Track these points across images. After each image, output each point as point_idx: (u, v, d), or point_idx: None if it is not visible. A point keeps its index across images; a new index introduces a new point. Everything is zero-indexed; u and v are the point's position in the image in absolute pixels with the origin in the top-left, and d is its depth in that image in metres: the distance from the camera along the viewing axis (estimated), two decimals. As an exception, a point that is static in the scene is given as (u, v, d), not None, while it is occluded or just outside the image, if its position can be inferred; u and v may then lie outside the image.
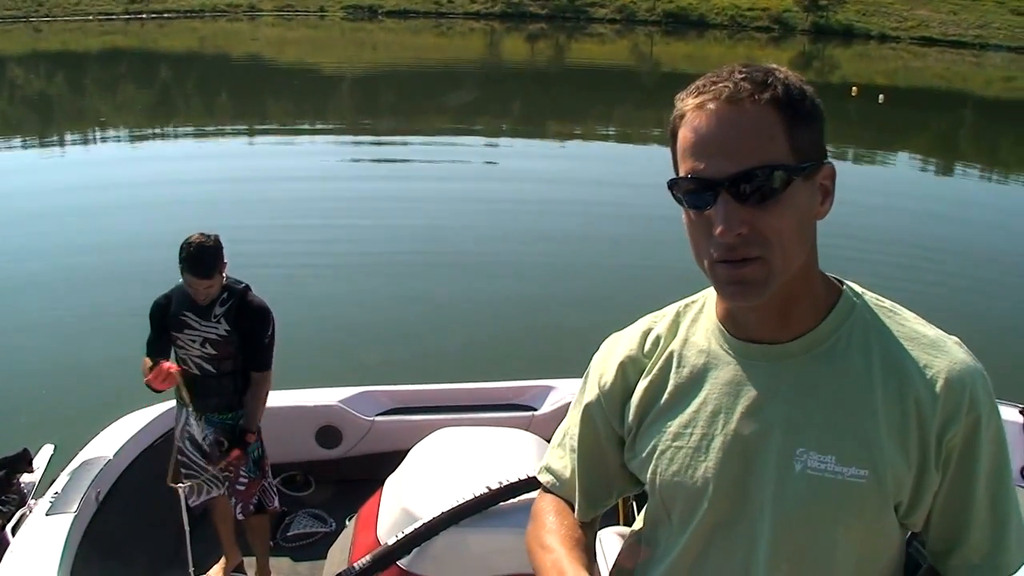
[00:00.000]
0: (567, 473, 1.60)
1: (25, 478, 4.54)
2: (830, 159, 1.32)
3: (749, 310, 1.35)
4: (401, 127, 22.51)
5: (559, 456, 1.63)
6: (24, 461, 4.58)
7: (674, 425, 1.41)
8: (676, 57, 46.74)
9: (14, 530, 3.97)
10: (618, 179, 15.71)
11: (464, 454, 3.90)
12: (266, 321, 3.96)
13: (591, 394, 1.55)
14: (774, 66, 1.29)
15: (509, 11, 64.73)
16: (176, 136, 22.02)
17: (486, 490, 3.37)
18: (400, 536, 3.34)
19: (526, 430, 4.29)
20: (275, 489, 4.36)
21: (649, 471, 1.44)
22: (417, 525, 3.34)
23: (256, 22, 60.96)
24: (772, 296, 1.28)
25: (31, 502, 4.22)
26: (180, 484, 4.11)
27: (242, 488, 4.13)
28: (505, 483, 3.38)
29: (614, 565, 1.67)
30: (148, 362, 3.92)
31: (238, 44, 49.64)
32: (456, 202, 13.87)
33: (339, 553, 4.01)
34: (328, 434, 5.04)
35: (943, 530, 1.36)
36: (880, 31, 58.03)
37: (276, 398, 4.77)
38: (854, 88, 28.84)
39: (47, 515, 3.82)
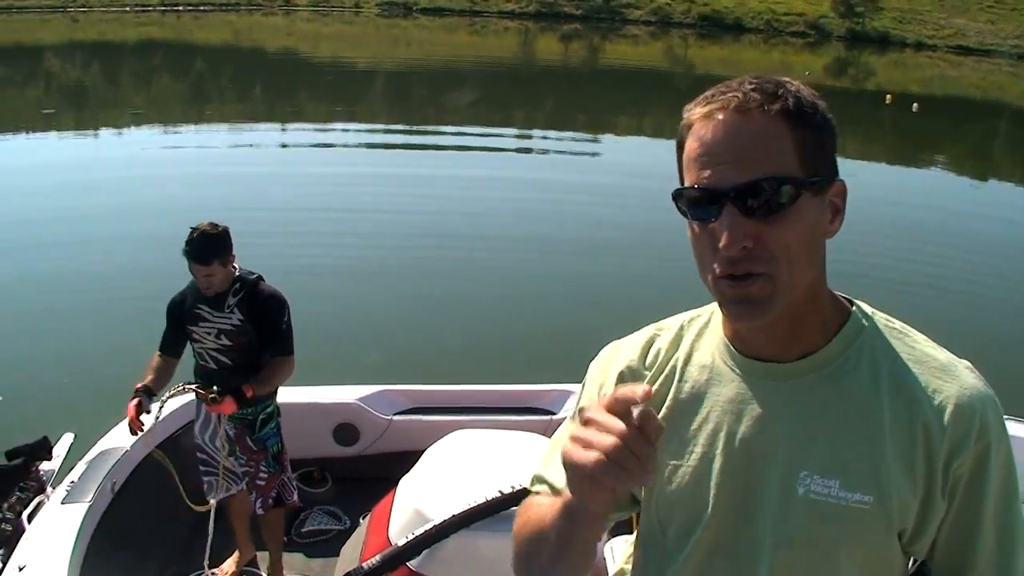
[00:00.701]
0: (560, 483, 1.38)
1: (44, 466, 4.59)
2: (841, 177, 1.29)
3: (755, 328, 1.31)
4: (431, 124, 22.56)
5: (554, 464, 1.40)
6: (43, 449, 4.62)
7: (675, 442, 1.37)
8: (710, 60, 46.50)
9: (31, 517, 4.01)
10: (649, 180, 15.62)
11: (479, 456, 3.87)
12: (280, 307, 3.95)
13: (588, 403, 1.47)
14: (786, 79, 1.26)
15: (544, 11, 64.77)
16: (209, 128, 22.15)
17: (499, 494, 3.35)
18: (410, 537, 3.34)
19: (543, 434, 4.25)
20: (294, 484, 4.37)
21: (644, 489, 1.42)
22: (428, 527, 3.33)
23: (291, 16, 61.36)
24: (779, 314, 1.25)
25: (49, 490, 4.26)
26: (207, 504, 4.18)
27: (262, 483, 4.14)
28: (518, 487, 3.35)
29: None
30: (157, 357, 4.02)
31: (273, 38, 49.97)
32: (483, 202, 13.84)
33: (351, 551, 4.01)
34: (346, 431, 5.05)
35: (949, 558, 1.32)
36: (916, 39, 57.57)
37: (295, 394, 4.80)
38: (888, 96, 28.61)
39: (62, 504, 3.86)
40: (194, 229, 3.76)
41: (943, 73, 46.41)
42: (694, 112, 1.25)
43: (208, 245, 3.75)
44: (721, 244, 1.20)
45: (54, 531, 3.68)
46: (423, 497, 3.61)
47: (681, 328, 1.46)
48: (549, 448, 1.55)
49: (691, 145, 1.24)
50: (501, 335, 8.40)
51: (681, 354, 1.42)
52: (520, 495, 3.35)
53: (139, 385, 3.97)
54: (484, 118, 23.97)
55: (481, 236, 11.98)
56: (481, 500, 3.34)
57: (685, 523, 1.38)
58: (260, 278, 4.00)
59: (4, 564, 3.73)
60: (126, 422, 4.57)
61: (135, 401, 3.92)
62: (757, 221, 1.19)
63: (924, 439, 1.25)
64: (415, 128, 21.84)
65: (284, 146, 19.87)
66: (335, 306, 8.79)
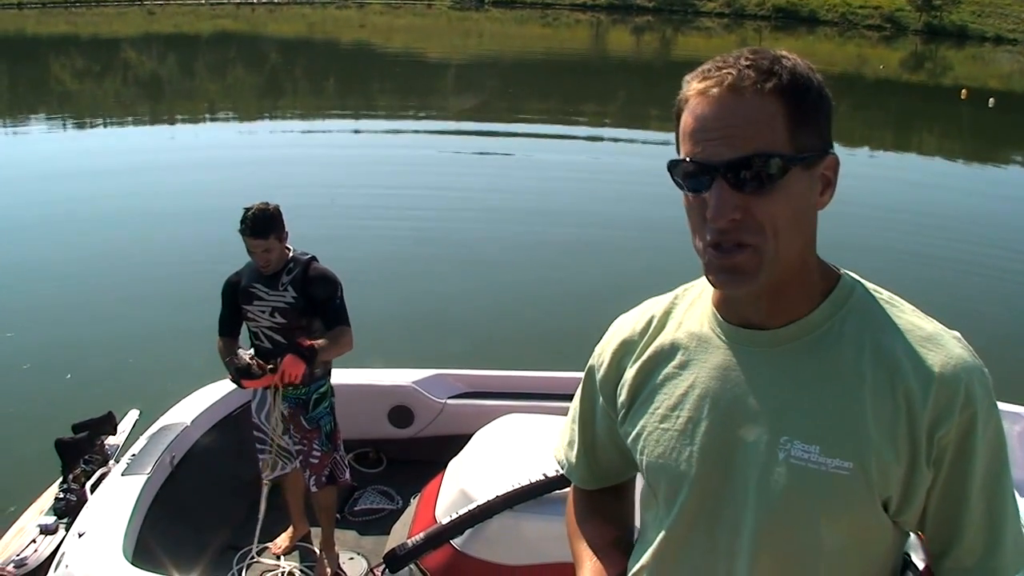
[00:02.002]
0: (574, 447, 1.67)
1: (110, 440, 4.76)
2: (834, 151, 1.31)
3: (740, 296, 1.34)
4: (501, 116, 22.62)
5: (569, 430, 1.68)
6: (108, 424, 4.80)
7: (662, 407, 1.42)
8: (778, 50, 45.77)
9: (94, 487, 4.16)
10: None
11: (526, 440, 3.89)
12: (333, 284, 4.03)
13: (590, 373, 1.59)
14: (783, 53, 1.28)
15: (616, 3, 64.45)
16: (282, 118, 22.51)
17: (543, 477, 3.38)
18: (455, 516, 3.38)
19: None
20: (346, 462, 4.45)
21: (637, 451, 1.46)
22: (472, 507, 3.37)
23: (364, 9, 61.96)
24: (763, 286, 1.28)
25: (112, 463, 4.42)
26: (264, 479, 4.30)
27: (315, 461, 4.23)
28: (562, 471, 3.38)
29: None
30: (220, 341, 4.09)
31: (346, 30, 50.54)
32: (548, 193, 13.84)
33: (401, 529, 4.07)
34: (400, 414, 5.12)
35: (938, 531, 1.32)
36: (996, 33, 55.98)
37: (352, 376, 4.90)
38: (963, 91, 27.90)
39: (122, 475, 3.99)
40: (248, 208, 3.86)
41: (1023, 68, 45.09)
42: (691, 87, 1.28)
43: (264, 221, 3.84)
44: (709, 216, 1.24)
45: (113, 501, 3.81)
46: (469, 478, 3.65)
47: (675, 298, 1.50)
48: (564, 425, 1.70)
49: (686, 119, 1.28)
50: (556, 323, 8.38)
51: (673, 323, 1.47)
52: (564, 479, 3.38)
53: (228, 358, 3.99)
54: (556, 110, 23.94)
55: (543, 226, 12.00)
56: (525, 483, 3.37)
57: (671, 487, 1.41)
58: (314, 258, 4.08)
59: (67, 532, 3.89)
60: (189, 399, 4.72)
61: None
62: (746, 194, 1.23)
63: (906, 407, 1.25)
64: (484, 119, 21.93)
65: (356, 132, 20.18)
66: (394, 291, 8.92)
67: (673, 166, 1.29)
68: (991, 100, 26.50)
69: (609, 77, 34.29)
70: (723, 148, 1.22)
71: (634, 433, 1.46)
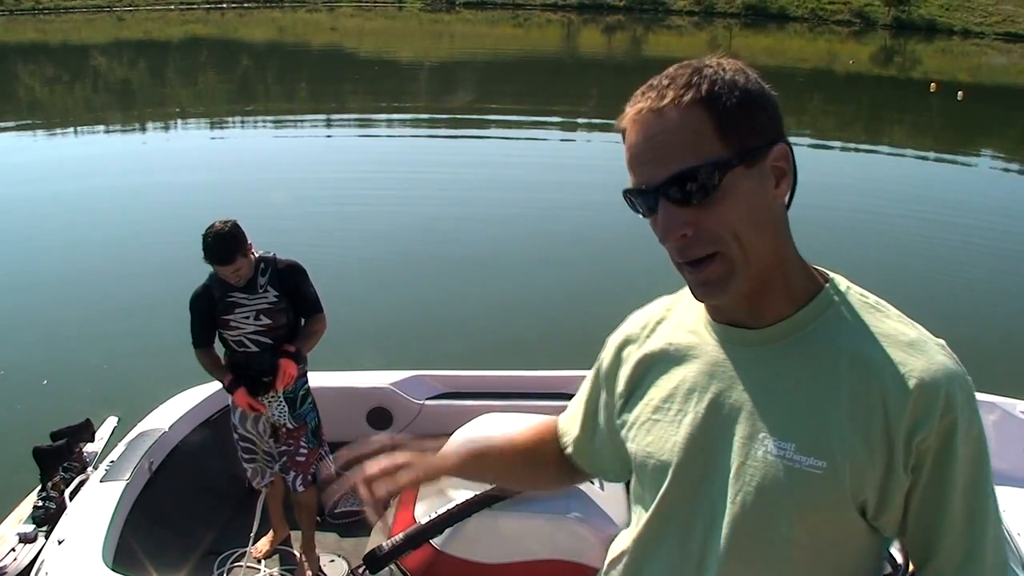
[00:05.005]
0: (569, 433, 1.76)
1: (88, 447, 4.76)
2: (783, 140, 1.32)
3: (726, 301, 1.39)
4: (473, 117, 22.61)
5: (570, 416, 1.78)
6: (86, 431, 4.80)
7: (655, 400, 1.48)
8: (755, 50, 45.95)
9: (72, 495, 4.16)
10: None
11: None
12: (303, 272, 4.12)
13: (598, 365, 1.67)
14: (707, 62, 1.30)
15: (587, 3, 64.53)
16: (255, 124, 22.39)
17: (521, 474, 3.41)
18: (433, 516, 3.41)
19: (570, 418, 4.29)
20: (331, 458, 4.47)
21: (629, 440, 1.51)
22: (450, 506, 3.40)
23: (335, 12, 61.75)
24: (743, 289, 1.32)
25: (90, 470, 4.42)
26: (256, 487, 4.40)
27: (302, 459, 4.24)
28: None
29: None
30: (202, 354, 4.10)
31: (317, 34, 50.37)
32: (520, 192, 13.88)
33: (381, 531, 4.10)
34: (379, 415, 5.13)
35: (917, 538, 1.34)
36: (964, 26, 56.47)
37: (330, 378, 4.91)
38: (933, 84, 28.17)
39: (101, 482, 3.99)
40: (206, 235, 3.82)
41: (991, 61, 45.53)
42: (625, 116, 1.33)
43: (227, 246, 3.82)
44: (659, 237, 1.30)
45: (92, 508, 3.81)
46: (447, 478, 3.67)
47: (679, 297, 1.56)
48: (573, 403, 1.78)
49: (625, 149, 1.33)
50: (533, 322, 8.44)
51: (673, 320, 1.53)
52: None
53: (226, 379, 4.08)
54: (527, 111, 23.94)
55: (516, 225, 12.09)
56: (504, 480, 3.40)
57: (655, 477, 1.46)
58: (275, 255, 4.11)
59: (46, 539, 3.89)
60: (166, 405, 4.72)
61: (242, 389, 4.05)
62: (693, 208, 1.27)
63: (883, 411, 1.27)
64: (454, 120, 21.91)
65: (329, 135, 20.22)
66: (370, 293, 8.95)
67: (625, 195, 1.35)
68: (960, 93, 26.75)
69: (581, 75, 34.37)
70: (657, 169, 1.27)
71: (628, 422, 1.52)
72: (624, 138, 1.33)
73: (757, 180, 1.29)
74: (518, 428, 1.82)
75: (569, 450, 1.75)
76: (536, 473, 1.82)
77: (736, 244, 1.27)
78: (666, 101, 1.26)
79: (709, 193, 1.25)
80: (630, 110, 1.31)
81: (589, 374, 1.71)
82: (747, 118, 1.28)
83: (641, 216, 1.35)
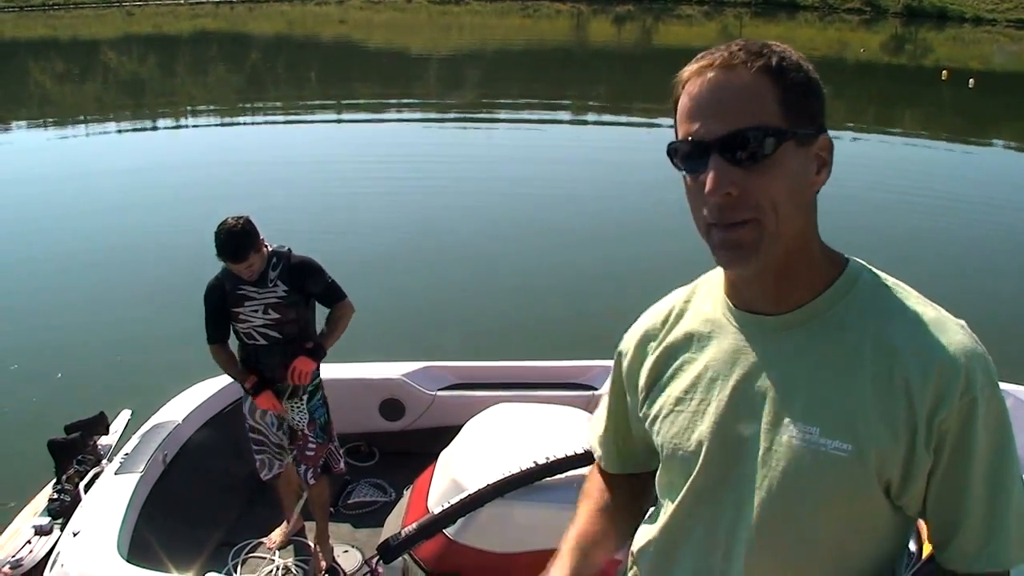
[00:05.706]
0: (603, 430, 1.76)
1: (102, 440, 4.78)
2: (828, 132, 1.34)
3: (747, 281, 1.39)
4: (483, 107, 22.61)
5: (600, 417, 1.77)
6: (100, 424, 4.82)
7: (678, 391, 1.48)
8: (765, 39, 45.79)
9: (87, 487, 4.19)
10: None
11: (517, 429, 3.93)
12: (318, 266, 4.11)
13: (617, 362, 1.65)
14: (774, 42, 1.33)
15: (596, -8, 64.30)
16: (265, 117, 22.43)
17: (533, 465, 3.41)
18: (446, 506, 3.41)
19: (585, 409, 4.29)
20: (340, 452, 4.50)
21: (655, 433, 1.52)
22: (464, 496, 3.40)
23: (344, 5, 61.73)
24: (767, 266, 1.32)
25: (105, 463, 4.44)
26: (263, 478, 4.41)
27: (311, 453, 4.26)
28: (553, 458, 3.42)
29: None
30: (218, 350, 4.11)
31: (327, 27, 50.34)
32: (533, 181, 13.86)
33: (395, 521, 4.10)
34: (392, 407, 5.15)
35: (940, 517, 1.34)
36: (975, 13, 56.06)
37: (343, 370, 4.93)
38: (944, 72, 27.99)
39: (115, 474, 4.02)
40: (219, 232, 3.83)
41: (1003, 48, 45.20)
42: (686, 70, 1.33)
43: (239, 242, 3.83)
44: (706, 189, 1.27)
45: (107, 500, 3.84)
46: (460, 468, 3.68)
47: (695, 287, 1.56)
48: (594, 419, 1.80)
49: (683, 101, 1.32)
50: (545, 312, 8.42)
51: (691, 311, 1.52)
52: (555, 466, 3.43)
53: (248, 382, 4.11)
54: (538, 101, 23.90)
55: (526, 215, 12.08)
56: (516, 471, 3.41)
57: (682, 467, 1.46)
58: (290, 250, 4.11)
59: (62, 532, 3.91)
60: (180, 397, 4.75)
61: (267, 392, 4.09)
62: (742, 170, 1.26)
63: (905, 392, 1.27)
64: (463, 111, 21.91)
65: (340, 127, 20.27)
66: (382, 284, 8.90)
67: (672, 149, 1.33)
68: (971, 80, 26.59)
69: (591, 66, 34.28)
70: (717, 124, 1.27)
71: (652, 415, 1.52)
72: (680, 93, 1.33)
73: (803, 161, 1.30)
74: (578, 513, 1.72)
75: (616, 469, 1.74)
76: (624, 514, 1.71)
77: (773, 215, 1.27)
78: (737, 61, 1.28)
79: (761, 159, 1.26)
80: (692, 67, 1.32)
81: (606, 386, 1.71)
82: (806, 100, 1.31)
83: (681, 171, 1.34)
